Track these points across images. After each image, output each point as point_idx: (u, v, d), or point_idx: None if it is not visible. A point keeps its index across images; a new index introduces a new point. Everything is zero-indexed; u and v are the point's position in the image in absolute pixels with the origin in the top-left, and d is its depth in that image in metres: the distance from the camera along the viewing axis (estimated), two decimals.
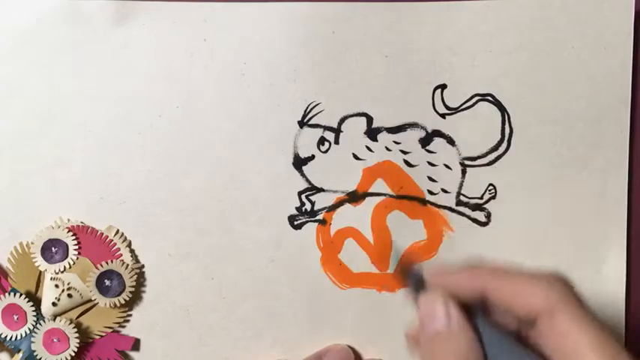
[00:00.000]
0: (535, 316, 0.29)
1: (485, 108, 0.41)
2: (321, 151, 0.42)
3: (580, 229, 0.42)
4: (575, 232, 0.42)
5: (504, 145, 0.42)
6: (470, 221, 0.42)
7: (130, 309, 0.43)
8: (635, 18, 0.40)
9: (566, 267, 0.42)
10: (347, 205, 0.42)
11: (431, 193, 0.42)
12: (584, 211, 0.42)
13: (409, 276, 0.32)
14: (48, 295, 0.42)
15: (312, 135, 0.42)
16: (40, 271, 0.42)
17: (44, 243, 0.42)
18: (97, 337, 0.43)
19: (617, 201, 0.42)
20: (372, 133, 0.42)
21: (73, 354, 0.42)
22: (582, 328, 0.28)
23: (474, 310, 0.30)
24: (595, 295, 0.42)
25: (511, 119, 0.41)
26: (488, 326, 0.29)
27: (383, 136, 0.42)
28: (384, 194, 0.42)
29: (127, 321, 0.43)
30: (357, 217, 0.42)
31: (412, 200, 0.42)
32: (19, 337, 0.42)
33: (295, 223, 0.42)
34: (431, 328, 0.29)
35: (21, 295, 0.42)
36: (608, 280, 0.42)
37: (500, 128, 0.41)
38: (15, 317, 0.42)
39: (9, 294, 0.42)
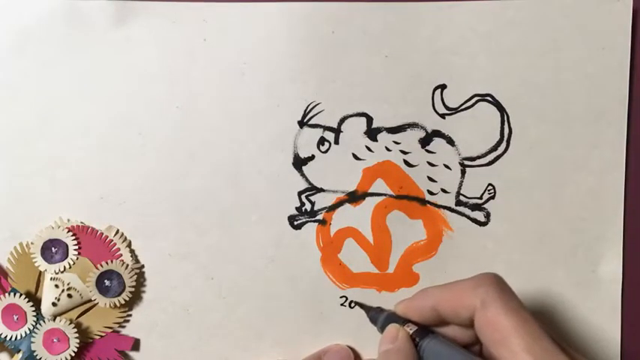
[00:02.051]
0: (472, 316, 0.33)
1: (485, 108, 0.42)
2: (321, 151, 0.42)
3: (577, 228, 0.42)
4: (572, 231, 0.42)
5: (503, 145, 0.42)
6: (469, 221, 0.42)
7: (130, 309, 0.43)
8: (633, 19, 0.41)
9: (563, 266, 0.42)
10: (347, 205, 0.42)
11: (430, 193, 0.42)
12: (581, 211, 0.42)
13: (377, 320, 0.38)
14: (48, 295, 0.42)
15: (312, 135, 0.42)
16: (40, 271, 0.42)
17: (44, 243, 0.42)
18: (97, 337, 0.43)
19: (613, 201, 0.42)
20: (371, 133, 0.42)
21: (73, 354, 0.41)
22: (507, 317, 0.31)
23: (430, 331, 0.35)
24: (591, 294, 0.42)
25: (510, 119, 0.42)
26: (436, 341, 0.34)
27: (383, 136, 0.42)
28: (384, 194, 0.42)
29: (127, 321, 0.43)
30: (357, 217, 0.42)
31: (412, 200, 0.42)
32: (19, 337, 0.42)
33: (295, 223, 0.42)
34: (383, 348, 0.35)
35: (21, 295, 0.42)
36: (604, 279, 0.42)
37: (499, 128, 0.42)
38: (15, 317, 0.42)
39: (9, 294, 0.42)
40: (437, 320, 0.35)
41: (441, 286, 0.35)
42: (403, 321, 0.36)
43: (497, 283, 0.33)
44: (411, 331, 0.35)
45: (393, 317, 0.37)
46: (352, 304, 0.42)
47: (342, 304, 0.42)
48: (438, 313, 0.34)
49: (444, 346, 0.34)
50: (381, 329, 0.37)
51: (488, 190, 0.42)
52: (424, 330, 0.35)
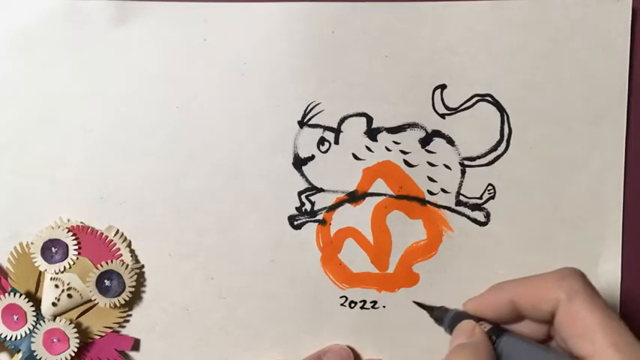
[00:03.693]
0: (554, 310, 0.32)
1: (485, 108, 0.42)
2: (321, 151, 0.42)
3: (576, 227, 0.42)
4: (571, 230, 0.42)
5: (503, 145, 0.42)
6: (469, 221, 0.42)
7: (130, 309, 0.43)
8: (633, 19, 0.41)
9: (562, 266, 0.42)
10: (347, 205, 0.42)
11: (430, 193, 0.42)
12: (580, 211, 0.42)
13: (443, 319, 0.36)
14: (48, 295, 0.42)
15: (312, 135, 0.42)
16: (40, 271, 0.42)
17: (44, 243, 0.42)
18: (97, 337, 0.43)
19: (613, 201, 0.42)
20: (371, 133, 0.42)
21: (73, 354, 0.41)
22: (592, 311, 0.31)
23: (504, 329, 0.34)
24: None
25: (510, 119, 0.42)
26: (514, 338, 0.33)
27: (383, 136, 0.42)
28: (384, 194, 0.42)
29: (127, 321, 0.43)
30: (357, 217, 0.42)
31: (412, 200, 0.42)
32: (19, 337, 0.42)
33: (295, 223, 0.42)
34: (457, 342, 0.34)
35: (21, 295, 0.42)
36: (603, 278, 0.42)
37: (499, 128, 0.42)
38: (15, 317, 0.42)
39: (9, 294, 0.42)
40: (512, 316, 0.34)
41: (518, 280, 0.34)
42: (475, 319, 0.35)
43: (582, 277, 0.33)
44: (486, 329, 0.34)
45: (462, 315, 0.35)
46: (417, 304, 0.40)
47: (414, 302, 0.41)
48: (516, 307, 0.34)
49: (524, 343, 0.33)
50: (450, 329, 0.35)
51: (488, 190, 0.42)
52: (498, 328, 0.34)
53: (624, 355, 0.29)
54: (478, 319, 0.35)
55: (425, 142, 0.42)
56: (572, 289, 0.32)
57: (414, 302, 0.41)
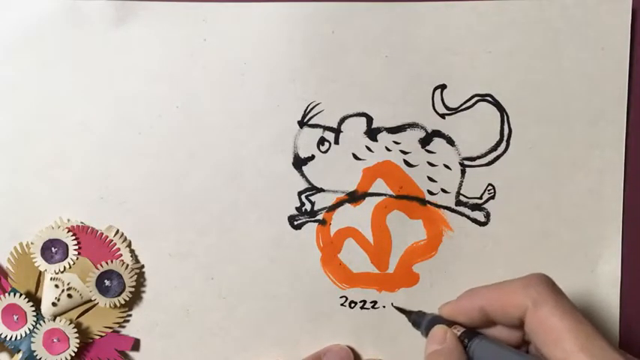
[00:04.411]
0: (522, 316, 0.33)
1: (485, 108, 0.42)
2: (321, 151, 0.42)
3: (576, 228, 0.42)
4: (571, 231, 0.42)
5: (503, 145, 0.42)
6: (469, 221, 0.42)
7: (130, 309, 0.43)
8: (633, 19, 0.41)
9: (562, 266, 0.42)
10: (347, 205, 0.42)
11: (430, 193, 0.42)
12: (580, 211, 0.42)
13: (420, 323, 0.38)
14: (48, 295, 0.42)
15: (312, 135, 0.42)
16: (40, 271, 0.42)
17: (44, 243, 0.42)
18: (97, 337, 0.43)
19: (612, 201, 0.42)
20: (372, 133, 0.42)
21: (73, 354, 0.41)
22: (560, 317, 0.31)
23: (477, 333, 0.35)
24: (590, 293, 0.42)
25: (510, 119, 0.42)
26: (485, 342, 0.34)
27: (383, 136, 0.42)
28: (384, 194, 0.42)
29: (127, 321, 0.43)
30: (357, 217, 0.42)
31: (412, 200, 0.42)
32: (19, 337, 0.42)
33: (295, 223, 0.42)
34: (430, 349, 0.35)
35: (21, 295, 0.42)
36: (603, 279, 0.42)
37: (499, 128, 0.42)
38: (15, 317, 0.42)
39: (9, 294, 0.42)
40: (484, 321, 0.35)
41: (489, 286, 0.35)
42: (449, 323, 0.36)
43: (548, 283, 0.33)
44: (458, 333, 0.35)
45: (437, 320, 0.37)
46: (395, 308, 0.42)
47: (395, 306, 0.42)
48: (487, 313, 0.34)
49: (495, 346, 0.34)
50: (426, 332, 0.37)
51: (488, 190, 0.42)
52: (471, 332, 0.35)
53: (596, 359, 0.29)
54: (452, 323, 0.36)
55: (425, 142, 0.42)
56: (539, 295, 0.32)
57: (394, 307, 0.42)
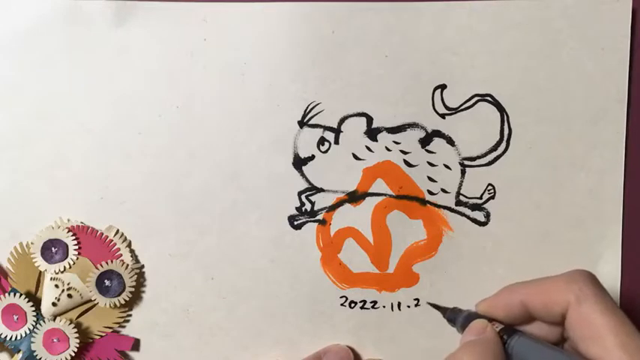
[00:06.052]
0: (565, 312, 0.33)
1: (485, 108, 0.42)
2: (321, 151, 0.42)
3: (576, 228, 0.42)
4: (571, 231, 0.42)
5: (503, 145, 0.42)
6: (469, 221, 0.42)
7: (130, 309, 0.43)
8: (633, 19, 0.41)
9: (563, 266, 0.42)
10: (347, 205, 0.42)
11: (430, 193, 0.42)
12: (580, 211, 0.42)
13: (455, 320, 0.37)
14: (48, 295, 0.42)
15: (312, 135, 0.42)
16: (40, 271, 0.42)
17: (44, 243, 0.42)
18: (97, 337, 0.43)
19: (612, 201, 0.42)
20: (372, 133, 0.42)
21: (73, 354, 0.41)
22: (602, 314, 0.31)
23: (516, 330, 0.34)
24: None
25: (510, 120, 0.42)
26: (525, 339, 0.33)
27: (383, 136, 0.42)
28: (384, 194, 0.42)
29: (127, 321, 0.43)
30: (357, 217, 0.42)
31: (412, 200, 0.42)
32: (19, 337, 0.42)
33: (295, 223, 0.42)
34: (467, 338, 0.34)
35: (21, 295, 0.42)
36: (603, 279, 0.42)
37: (499, 128, 0.42)
38: (15, 317, 0.42)
39: (9, 294, 0.42)
40: (523, 317, 0.35)
41: (529, 281, 0.35)
42: (487, 320, 0.35)
43: (591, 279, 0.33)
44: (497, 329, 0.34)
45: (474, 316, 0.36)
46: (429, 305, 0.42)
47: (416, 305, 0.42)
48: (527, 309, 0.34)
49: (536, 343, 0.33)
50: (462, 329, 0.36)
51: (488, 190, 0.42)
52: (510, 328, 0.34)
53: (634, 358, 0.30)
54: (490, 320, 0.35)
55: (425, 142, 0.42)
56: (582, 291, 0.32)
57: (428, 303, 0.42)
